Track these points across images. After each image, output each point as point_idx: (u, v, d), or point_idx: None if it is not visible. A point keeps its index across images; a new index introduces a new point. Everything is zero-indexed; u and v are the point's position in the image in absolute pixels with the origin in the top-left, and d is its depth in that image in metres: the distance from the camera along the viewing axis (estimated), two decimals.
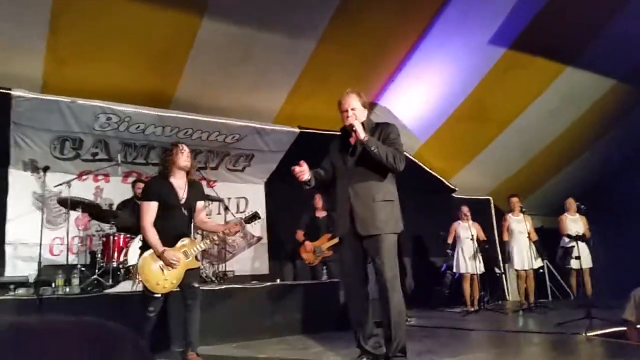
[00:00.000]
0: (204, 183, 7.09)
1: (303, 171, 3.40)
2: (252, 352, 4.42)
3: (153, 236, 3.59)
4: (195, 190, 3.84)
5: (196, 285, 3.73)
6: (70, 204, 5.30)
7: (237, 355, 4.31)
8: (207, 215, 3.82)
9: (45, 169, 4.49)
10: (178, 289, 3.76)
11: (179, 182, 3.73)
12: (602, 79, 8.28)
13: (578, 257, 6.34)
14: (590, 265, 7.44)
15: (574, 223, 7.64)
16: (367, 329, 3.51)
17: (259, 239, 8.17)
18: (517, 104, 8.36)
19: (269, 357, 4.17)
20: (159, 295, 3.57)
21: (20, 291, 4.46)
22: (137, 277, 3.67)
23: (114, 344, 1.12)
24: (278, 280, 6.15)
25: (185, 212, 3.70)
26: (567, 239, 7.30)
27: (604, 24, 7.07)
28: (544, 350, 4.17)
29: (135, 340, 1.18)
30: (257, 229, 8.16)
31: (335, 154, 3.61)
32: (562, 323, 5.20)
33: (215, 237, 3.69)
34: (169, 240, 3.61)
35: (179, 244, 3.64)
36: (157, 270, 3.56)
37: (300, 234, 7.09)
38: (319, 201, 7.18)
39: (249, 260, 8.04)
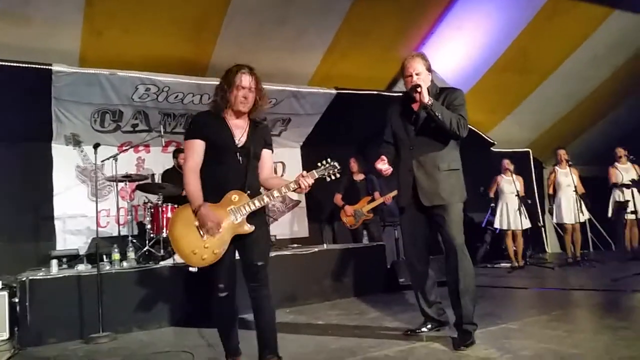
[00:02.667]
0: None
1: (389, 169, 3.36)
2: (308, 318, 4.46)
3: (193, 184, 2.71)
4: (259, 134, 2.88)
5: (260, 263, 2.72)
6: (117, 178, 5.32)
7: (295, 322, 4.33)
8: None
9: (96, 146, 4.45)
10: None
11: (238, 122, 2.83)
12: None
13: (635, 212, 6.15)
14: None
15: (626, 173, 7.32)
16: (430, 297, 3.50)
17: (297, 202, 8.15)
18: (560, 52, 8.03)
19: (327, 323, 4.19)
20: (195, 269, 2.86)
21: (81, 267, 4.54)
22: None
23: None
24: (325, 245, 6.15)
25: (242, 159, 2.76)
26: (618, 192, 7.07)
27: None
28: (611, 310, 4.03)
29: None
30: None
31: (397, 121, 3.47)
32: (619, 279, 5.10)
33: (276, 193, 2.74)
34: (216, 193, 2.70)
35: (227, 198, 2.71)
36: (192, 233, 2.64)
37: (338, 198, 7.07)
38: (354, 165, 7.13)
39: (288, 224, 8.08)
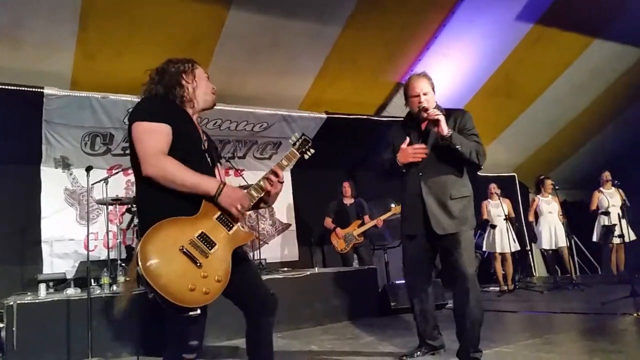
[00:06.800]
0: (231, 172, 7.15)
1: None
2: (301, 344, 4.41)
3: (179, 166, 2.03)
4: (212, 143, 2.39)
5: (273, 292, 2.33)
6: (108, 201, 5.27)
7: (288, 349, 4.26)
8: None
9: (89, 169, 4.42)
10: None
11: (194, 119, 2.29)
12: (630, 49, 8.18)
13: (622, 236, 6.25)
14: (632, 238, 7.15)
15: (611, 198, 7.41)
16: (429, 320, 3.46)
17: (288, 225, 8.16)
18: (544, 79, 8.28)
19: (321, 349, 4.15)
20: (197, 311, 1.95)
21: (70, 291, 4.46)
22: (139, 280, 1.91)
23: None
24: (316, 269, 6.13)
25: (210, 163, 2.26)
26: (604, 216, 7.18)
27: None
28: (603, 333, 4.03)
29: None
30: (285, 215, 8.15)
31: (401, 144, 3.27)
32: (607, 302, 5.15)
33: (263, 183, 2.24)
34: (190, 201, 2.04)
35: (207, 206, 2.08)
36: (180, 262, 1.91)
37: (328, 221, 7.09)
38: (348, 189, 7.16)
39: (279, 248, 8.05)
